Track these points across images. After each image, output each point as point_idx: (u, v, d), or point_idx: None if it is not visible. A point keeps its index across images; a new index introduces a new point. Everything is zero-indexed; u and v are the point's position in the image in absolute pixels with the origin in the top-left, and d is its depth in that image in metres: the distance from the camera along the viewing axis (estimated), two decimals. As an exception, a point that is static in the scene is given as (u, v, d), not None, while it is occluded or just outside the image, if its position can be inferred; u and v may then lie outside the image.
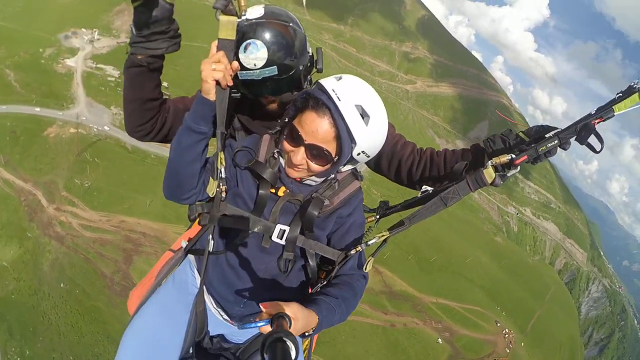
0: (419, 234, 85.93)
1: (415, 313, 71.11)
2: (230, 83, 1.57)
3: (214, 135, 1.64)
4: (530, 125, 1.67)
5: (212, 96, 1.54)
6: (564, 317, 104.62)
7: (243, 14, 1.56)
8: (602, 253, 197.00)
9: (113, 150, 68.99)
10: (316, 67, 1.89)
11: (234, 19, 1.51)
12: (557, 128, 1.58)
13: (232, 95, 1.82)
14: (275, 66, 1.63)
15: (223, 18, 1.50)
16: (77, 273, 54.21)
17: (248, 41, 1.59)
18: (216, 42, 1.54)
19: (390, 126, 1.89)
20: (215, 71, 1.50)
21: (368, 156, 1.58)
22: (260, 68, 1.62)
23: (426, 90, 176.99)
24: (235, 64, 1.56)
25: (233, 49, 1.55)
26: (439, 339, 69.58)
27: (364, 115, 1.46)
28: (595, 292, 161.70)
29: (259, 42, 1.59)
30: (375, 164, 2.04)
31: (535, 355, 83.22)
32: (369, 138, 1.50)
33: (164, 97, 1.92)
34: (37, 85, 73.74)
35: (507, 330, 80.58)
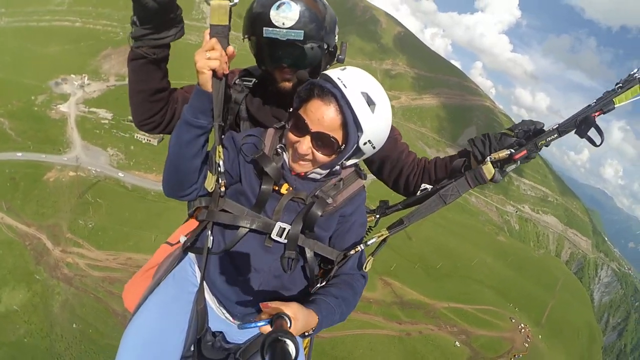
0: (422, 244, 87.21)
1: (429, 320, 71.35)
2: (227, 71, 1.53)
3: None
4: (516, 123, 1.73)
5: (209, 87, 1.49)
6: (578, 304, 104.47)
7: None
8: (606, 238, 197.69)
9: (114, 190, 70.67)
10: (338, 58, 1.89)
11: (226, 3, 1.45)
12: (541, 123, 1.61)
13: (245, 83, 1.96)
14: (302, 31, 1.62)
15: (214, 3, 1.45)
16: (88, 312, 54.85)
17: (283, 1, 1.60)
18: (208, 29, 1.49)
19: (397, 132, 1.98)
20: (210, 60, 1.45)
21: (374, 147, 1.55)
22: (287, 28, 1.61)
23: (411, 103, 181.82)
24: (231, 49, 1.51)
25: (226, 35, 1.50)
26: (456, 342, 69.55)
27: (370, 102, 1.44)
28: (605, 278, 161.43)
29: (292, 3, 1.60)
30: (379, 166, 2.04)
31: (555, 345, 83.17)
32: (375, 126, 1.48)
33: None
34: (32, 132, 75.90)
35: (522, 325, 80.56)
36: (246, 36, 1.73)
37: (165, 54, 1.66)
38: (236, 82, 1.97)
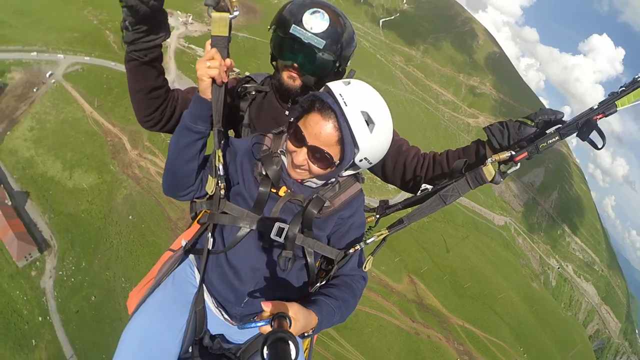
0: (457, 259, 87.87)
1: (441, 329, 72.14)
2: (226, 79, 1.58)
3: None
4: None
5: (209, 95, 1.56)
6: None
7: (235, 10, 1.55)
8: (637, 330, 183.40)
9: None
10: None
11: (226, 15, 1.52)
12: (561, 113, 1.58)
13: (248, 91, 2.05)
14: (325, 42, 1.74)
15: (215, 15, 1.51)
16: (146, 211, 59.22)
17: (319, 9, 1.73)
18: (209, 40, 1.56)
19: (394, 132, 1.92)
20: (210, 68, 1.52)
21: (370, 163, 1.60)
22: (312, 33, 1.72)
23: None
24: (229, 60, 1.58)
25: (226, 45, 1.57)
26: (458, 360, 70.11)
27: (369, 122, 1.46)
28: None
29: (327, 16, 1.73)
30: (381, 167, 2.04)
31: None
32: (373, 145, 1.50)
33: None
34: None
35: (526, 372, 78.84)
36: (273, 27, 1.84)
37: (157, 54, 1.72)
38: (239, 90, 2.05)
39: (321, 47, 1.75)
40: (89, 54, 77.09)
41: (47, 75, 70.13)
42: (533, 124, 1.60)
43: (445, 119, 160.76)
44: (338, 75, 1.97)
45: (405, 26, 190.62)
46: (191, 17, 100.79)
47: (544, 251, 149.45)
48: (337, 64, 1.88)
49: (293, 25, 1.72)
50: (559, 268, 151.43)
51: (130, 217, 58.72)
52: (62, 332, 47.36)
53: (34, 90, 67.89)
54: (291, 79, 1.89)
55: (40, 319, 47.44)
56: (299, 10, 1.74)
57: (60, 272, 51.88)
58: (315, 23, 1.72)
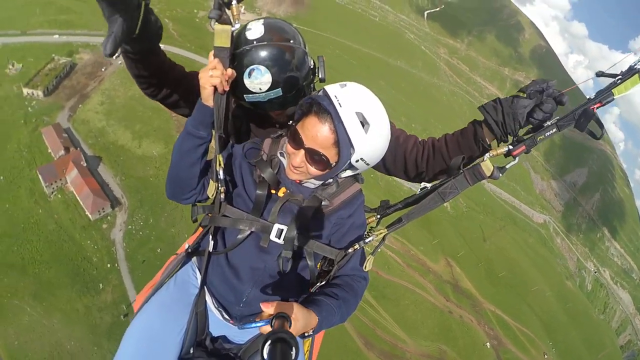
0: (494, 249, 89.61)
1: (473, 312, 74.35)
2: (227, 88, 1.61)
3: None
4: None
5: (211, 102, 1.60)
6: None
7: (236, 22, 1.61)
8: None
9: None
10: (318, 77, 1.94)
11: (228, 27, 1.57)
12: (553, 80, 1.60)
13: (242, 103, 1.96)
14: (280, 88, 1.71)
15: (218, 27, 1.56)
16: None
17: (252, 67, 1.66)
18: (212, 51, 1.60)
19: (392, 125, 1.90)
20: (212, 77, 1.56)
21: (367, 164, 1.60)
22: (266, 91, 1.70)
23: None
24: (230, 70, 1.61)
25: (228, 56, 1.60)
26: (487, 344, 71.88)
27: (364, 123, 1.47)
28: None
29: (262, 68, 1.66)
30: (382, 161, 1.93)
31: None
32: (369, 146, 1.51)
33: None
34: (192, 37, 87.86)
35: (553, 366, 79.50)
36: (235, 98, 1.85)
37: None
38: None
39: (282, 94, 1.75)
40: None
41: (114, 57, 78.41)
42: (525, 96, 1.62)
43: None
44: (312, 77, 1.95)
45: (450, 18, 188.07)
46: (243, 7, 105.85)
47: (581, 253, 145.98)
48: (303, 82, 1.84)
49: (245, 95, 1.75)
50: (595, 272, 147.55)
51: (196, 180, 64.86)
52: (128, 278, 52.52)
53: (102, 69, 74.51)
54: (278, 115, 1.98)
55: (108, 265, 52.82)
56: (240, 76, 1.69)
57: (130, 227, 57.52)
58: (259, 82, 1.69)
